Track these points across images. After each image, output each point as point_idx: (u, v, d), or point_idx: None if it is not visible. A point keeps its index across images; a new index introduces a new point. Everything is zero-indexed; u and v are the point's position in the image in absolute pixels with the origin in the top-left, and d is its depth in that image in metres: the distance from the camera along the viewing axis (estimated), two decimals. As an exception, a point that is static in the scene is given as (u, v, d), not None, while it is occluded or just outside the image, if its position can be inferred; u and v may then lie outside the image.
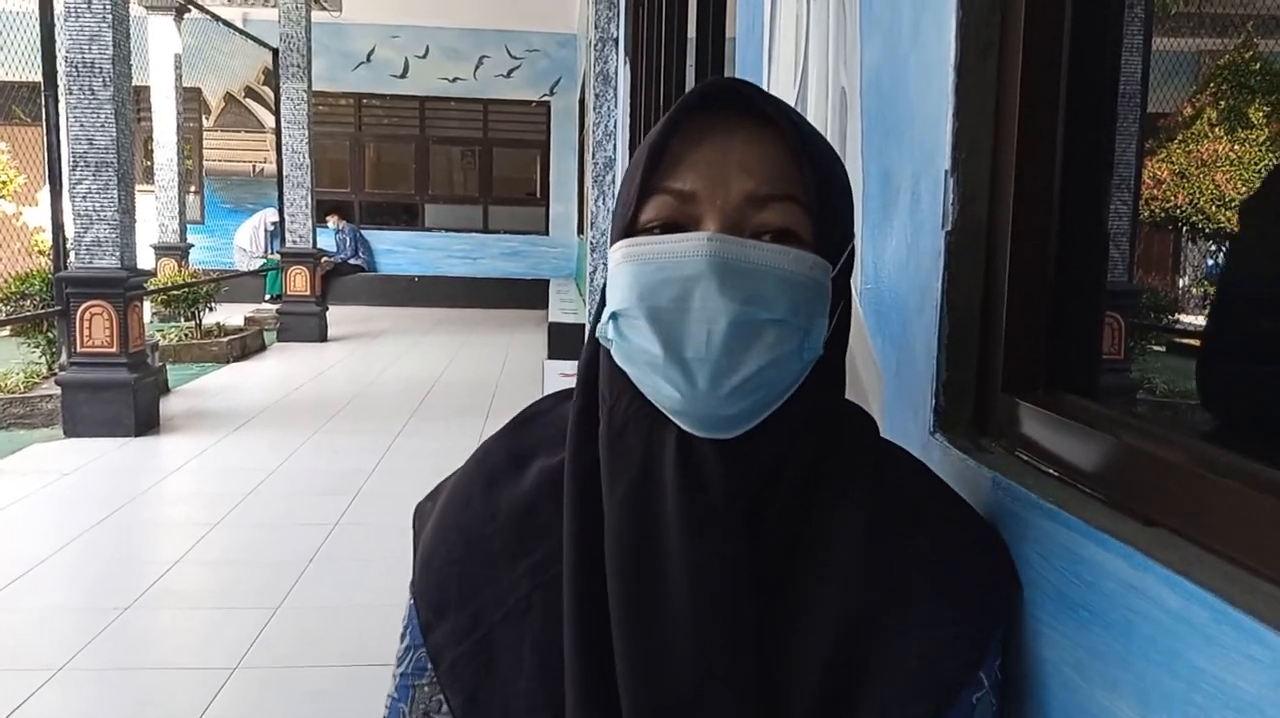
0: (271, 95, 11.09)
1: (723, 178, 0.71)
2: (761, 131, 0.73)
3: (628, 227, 0.74)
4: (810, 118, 1.61)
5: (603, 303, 0.76)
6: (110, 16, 5.74)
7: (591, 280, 7.51)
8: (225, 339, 8.88)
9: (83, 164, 5.81)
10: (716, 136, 0.72)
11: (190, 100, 12.61)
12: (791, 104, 1.75)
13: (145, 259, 8.94)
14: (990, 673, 0.74)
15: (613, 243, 0.75)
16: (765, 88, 2.00)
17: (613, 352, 0.74)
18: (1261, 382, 0.89)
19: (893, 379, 1.12)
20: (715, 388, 0.69)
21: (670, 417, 0.72)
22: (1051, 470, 0.80)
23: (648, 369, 0.71)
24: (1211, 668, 0.55)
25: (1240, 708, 0.53)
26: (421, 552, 0.85)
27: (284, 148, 10.33)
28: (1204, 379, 0.99)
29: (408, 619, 0.84)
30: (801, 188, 0.72)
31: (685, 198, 0.72)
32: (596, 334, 0.75)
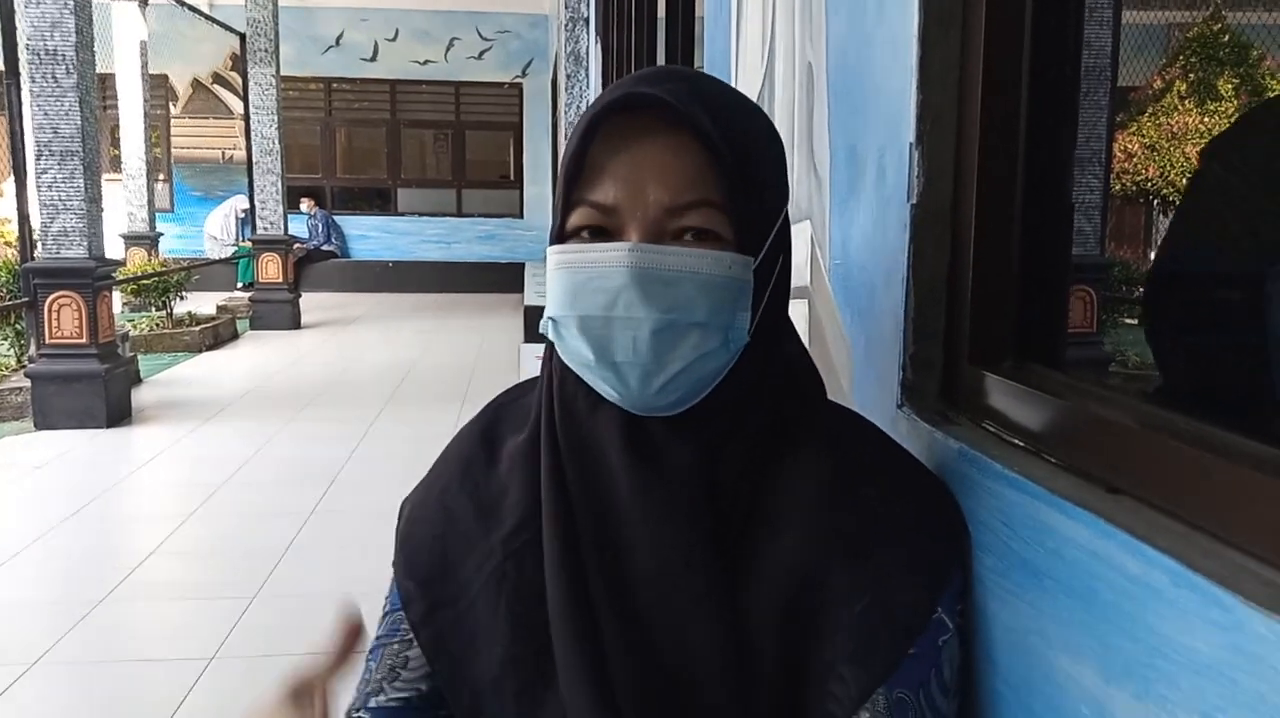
0: (240, 81, 10.97)
1: (640, 189, 0.74)
2: (677, 137, 0.74)
3: (558, 232, 0.78)
4: (778, 93, 1.61)
5: None
6: (72, 3, 5.67)
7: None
8: (197, 328, 8.81)
9: (47, 153, 5.74)
10: (633, 145, 0.75)
11: (157, 87, 12.46)
12: (760, 81, 1.75)
13: (114, 249, 8.83)
14: (953, 616, 0.76)
15: (550, 243, 0.79)
16: (733, 66, 2.01)
17: (556, 348, 0.79)
18: (1211, 346, 0.90)
19: (861, 353, 1.12)
20: (646, 387, 0.74)
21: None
22: (1017, 441, 0.80)
23: (585, 370, 0.77)
24: (1171, 632, 0.55)
25: (1199, 670, 0.53)
26: (403, 530, 0.90)
27: (253, 134, 10.24)
28: (1157, 342, 1.00)
29: (390, 594, 0.90)
30: (720, 191, 0.74)
31: (607, 211, 0.75)
32: (540, 330, 0.80)
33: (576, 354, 0.76)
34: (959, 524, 0.80)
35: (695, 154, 0.74)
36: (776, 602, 0.75)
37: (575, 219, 0.76)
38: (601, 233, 0.75)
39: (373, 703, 0.87)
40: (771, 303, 0.79)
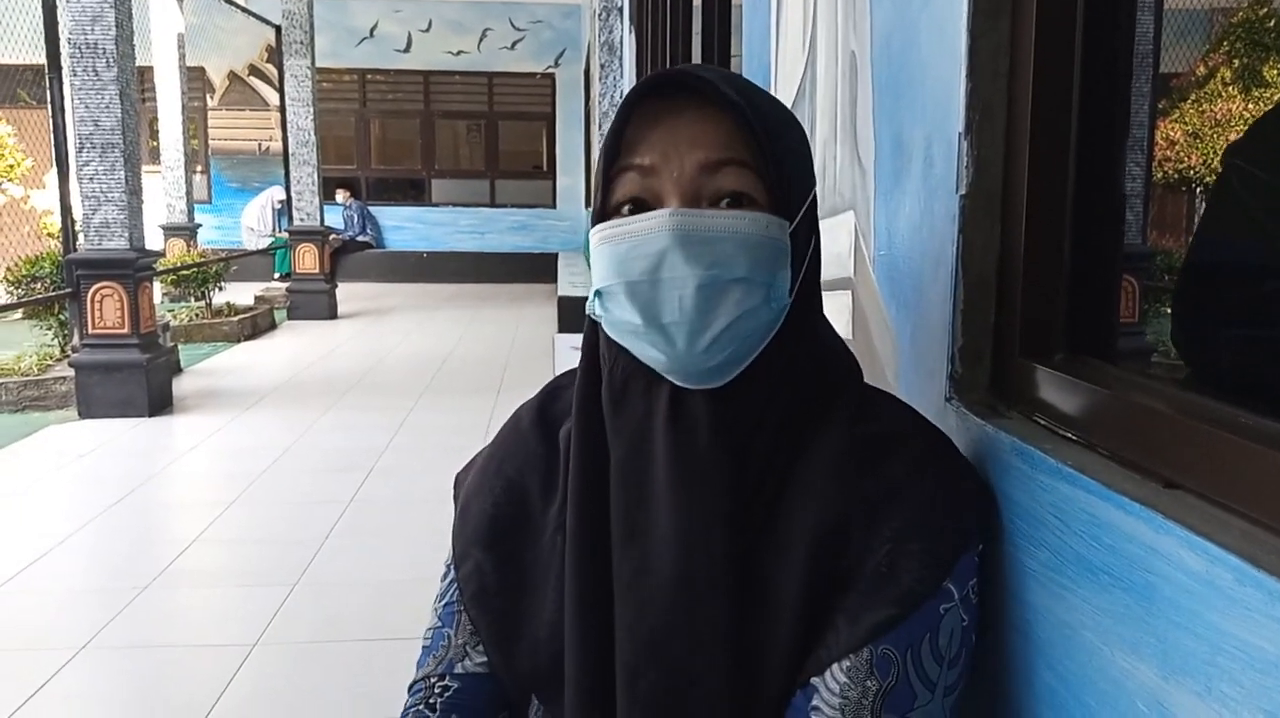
0: (275, 73, 11.06)
1: (676, 151, 0.78)
2: (710, 108, 0.79)
3: (601, 210, 0.81)
4: (820, 82, 1.59)
5: None
6: (112, -4, 5.72)
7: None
8: (236, 318, 8.90)
9: (89, 146, 5.81)
10: (668, 116, 0.79)
11: (194, 80, 12.58)
12: (800, 70, 1.74)
13: (154, 240, 8.94)
14: (962, 587, 0.78)
15: (592, 226, 0.82)
16: (773, 55, 1.99)
17: (602, 325, 0.82)
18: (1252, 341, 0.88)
19: (907, 346, 1.11)
20: (693, 345, 0.77)
21: (662, 373, 0.80)
22: (1070, 434, 0.80)
23: (632, 337, 0.80)
24: (1235, 630, 0.55)
25: (1265, 669, 0.52)
26: (462, 500, 0.95)
27: (289, 125, 10.31)
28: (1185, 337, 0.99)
29: (447, 562, 0.94)
30: (750, 153, 0.78)
31: (646, 171, 0.79)
32: (586, 311, 0.83)
33: (623, 322, 0.79)
34: (983, 502, 0.83)
35: (727, 123, 0.78)
36: (798, 569, 0.78)
37: (618, 190, 0.80)
38: (642, 206, 0.79)
39: (458, 669, 0.90)
40: (808, 274, 0.83)
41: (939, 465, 0.82)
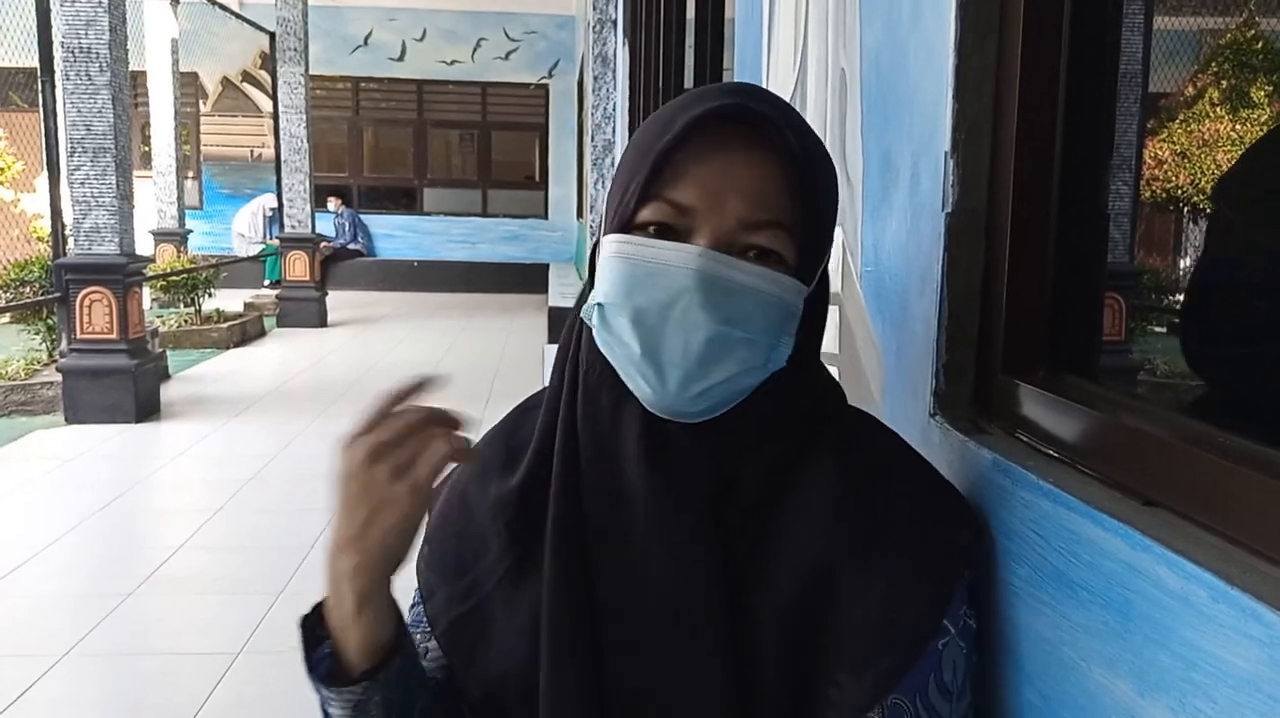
0: (269, 80, 11.05)
1: (720, 198, 0.75)
2: (763, 154, 0.76)
3: (624, 222, 0.77)
4: (810, 99, 1.61)
5: (592, 280, 0.81)
6: (106, 1, 5.72)
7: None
8: (225, 325, 8.88)
9: (80, 150, 5.80)
10: (719, 154, 0.75)
11: (187, 85, 12.57)
12: (791, 86, 1.75)
13: (144, 245, 8.92)
14: (956, 621, 0.77)
15: (607, 231, 0.79)
16: (765, 70, 2.01)
17: (595, 335, 0.79)
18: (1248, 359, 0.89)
19: (893, 361, 1.12)
20: (683, 390, 0.75)
21: (641, 404, 0.78)
22: (1051, 451, 0.80)
23: (624, 362, 0.77)
24: (1209, 646, 0.55)
25: (1237, 685, 0.53)
26: (427, 527, 0.91)
27: (282, 132, 10.30)
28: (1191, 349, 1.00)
29: (418, 583, 0.92)
30: (792, 216, 0.76)
31: (683, 210, 0.75)
32: (581, 314, 0.80)
33: (620, 345, 0.76)
34: (971, 529, 0.81)
35: (777, 174, 0.76)
36: (785, 602, 0.76)
37: (647, 213, 0.76)
38: (669, 232, 0.76)
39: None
40: (811, 333, 0.82)
41: (924, 498, 0.81)
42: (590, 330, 0.80)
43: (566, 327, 0.85)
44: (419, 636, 0.88)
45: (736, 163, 0.75)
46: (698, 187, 0.75)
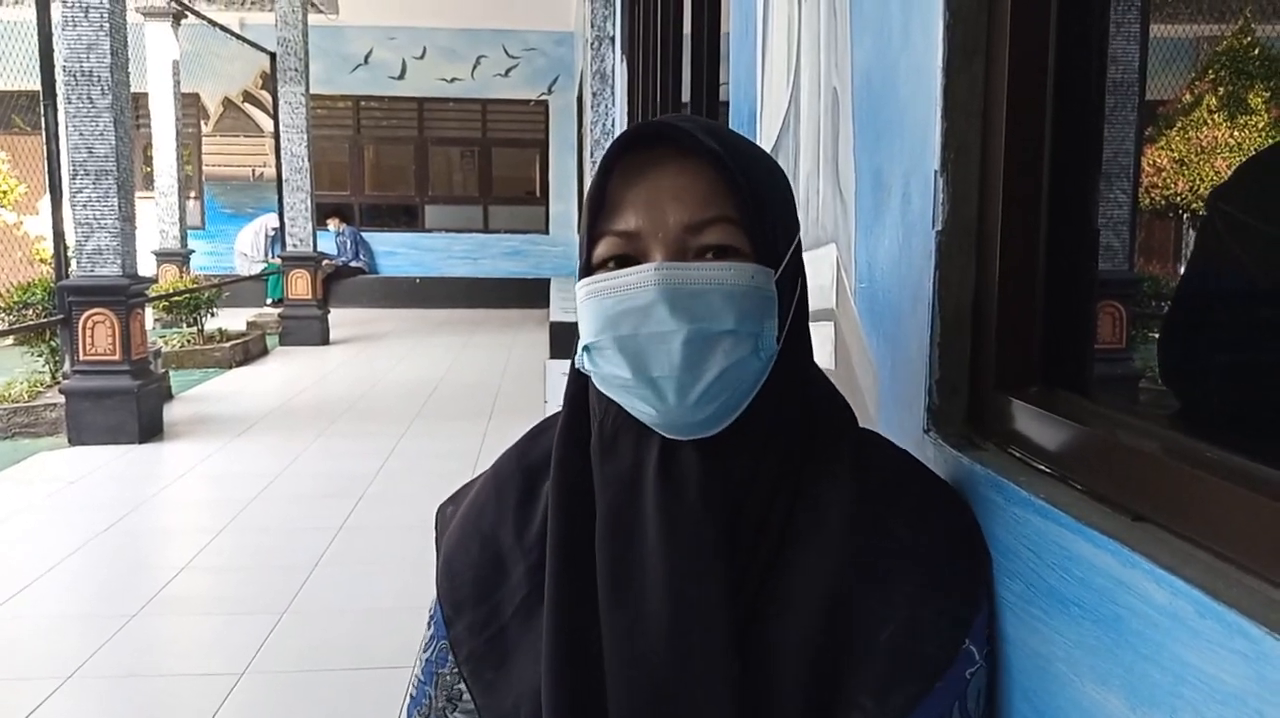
0: (270, 99, 11.11)
1: (659, 212, 0.77)
2: (689, 161, 0.78)
3: (585, 266, 0.81)
4: (803, 116, 1.62)
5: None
6: (108, 25, 5.76)
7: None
8: (228, 344, 8.90)
9: (83, 173, 5.83)
10: (648, 174, 0.78)
11: (189, 106, 12.63)
12: (785, 104, 1.76)
13: (146, 266, 8.95)
14: (981, 646, 0.77)
15: (578, 279, 0.81)
16: (759, 86, 2.02)
17: (592, 379, 0.82)
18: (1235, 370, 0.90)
19: (887, 377, 1.13)
20: (683, 399, 0.76)
21: (652, 428, 0.79)
22: (1043, 467, 0.81)
23: (622, 391, 0.79)
24: (1197, 661, 0.56)
25: (1224, 700, 0.54)
26: (444, 553, 0.93)
27: (283, 151, 10.35)
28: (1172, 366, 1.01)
29: (433, 611, 0.91)
30: (733, 206, 0.78)
31: (630, 237, 0.78)
32: (575, 365, 0.82)
33: (613, 376, 0.78)
34: (983, 551, 0.81)
35: (709, 176, 0.78)
36: (806, 633, 0.76)
37: (600, 250, 0.80)
38: (626, 261, 0.78)
39: None
40: (795, 320, 0.82)
41: (942, 520, 0.81)
42: (592, 380, 0.82)
43: (569, 383, 0.87)
44: (449, 676, 0.88)
45: (666, 175, 0.78)
46: (636, 210, 0.78)
